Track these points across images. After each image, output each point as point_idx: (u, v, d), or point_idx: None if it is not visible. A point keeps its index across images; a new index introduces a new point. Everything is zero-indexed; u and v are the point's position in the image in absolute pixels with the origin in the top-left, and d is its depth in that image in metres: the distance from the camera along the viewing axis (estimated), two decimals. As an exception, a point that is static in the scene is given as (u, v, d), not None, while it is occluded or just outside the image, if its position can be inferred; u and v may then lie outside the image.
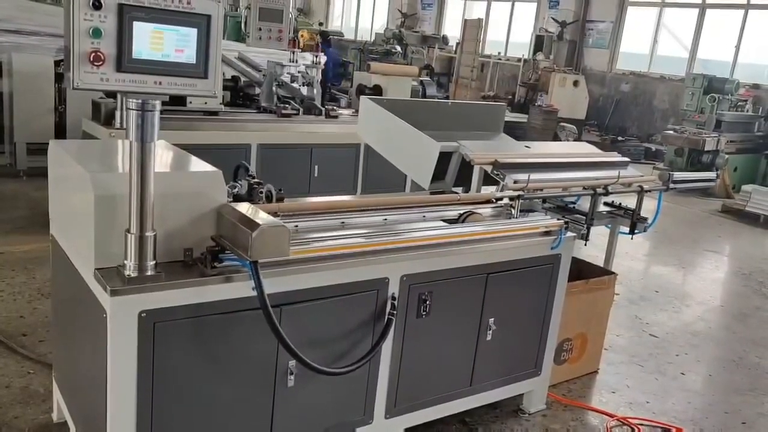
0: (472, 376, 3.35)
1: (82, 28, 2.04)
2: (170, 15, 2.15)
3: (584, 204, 3.86)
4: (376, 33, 20.10)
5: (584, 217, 3.73)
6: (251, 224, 2.25)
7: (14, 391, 3.39)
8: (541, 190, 3.66)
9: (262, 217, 2.31)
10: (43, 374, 3.51)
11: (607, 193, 3.83)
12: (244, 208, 2.40)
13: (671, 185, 4.20)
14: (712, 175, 5.33)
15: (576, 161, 4.14)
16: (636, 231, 4.05)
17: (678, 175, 4.34)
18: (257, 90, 6.41)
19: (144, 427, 2.36)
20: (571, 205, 3.88)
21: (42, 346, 3.80)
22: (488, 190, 3.75)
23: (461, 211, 3.39)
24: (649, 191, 4.08)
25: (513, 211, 3.45)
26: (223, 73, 6.21)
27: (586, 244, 3.78)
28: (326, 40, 11.76)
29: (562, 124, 12.68)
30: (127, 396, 2.31)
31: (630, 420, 3.77)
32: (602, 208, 4.08)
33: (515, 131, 8.67)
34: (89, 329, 2.46)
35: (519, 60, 16.73)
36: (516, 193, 3.47)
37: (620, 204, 4.13)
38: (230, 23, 13.00)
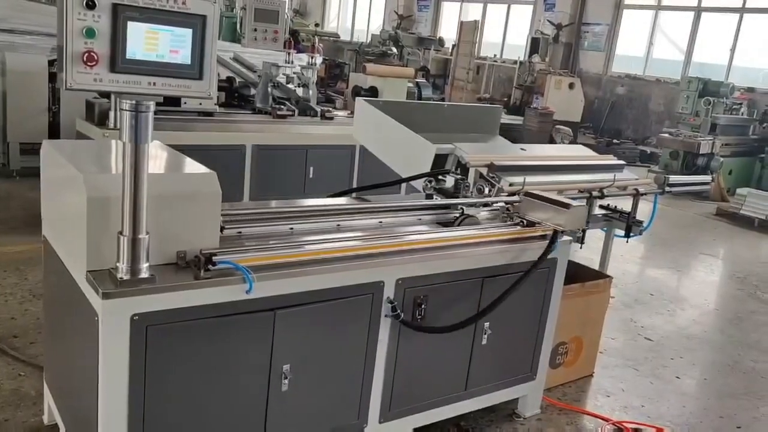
0: (467, 380, 3.33)
1: (76, 28, 2.01)
2: (165, 15, 2.13)
3: (580, 207, 3.85)
4: (372, 34, 20.07)
5: (580, 221, 3.73)
6: (563, 204, 3.15)
7: (5, 394, 3.35)
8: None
9: (567, 199, 3.20)
10: (34, 377, 3.48)
11: (602, 196, 3.83)
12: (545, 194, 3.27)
13: (667, 188, 4.20)
14: (707, 178, 5.35)
15: (572, 164, 4.14)
16: (631, 234, 4.05)
17: (673, 178, 4.35)
18: (252, 91, 6.39)
19: (135, 430, 2.34)
20: (567, 208, 3.87)
21: (33, 348, 3.76)
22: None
23: (457, 214, 3.37)
24: (645, 194, 4.09)
25: (509, 213, 3.43)
26: (218, 74, 6.19)
27: (581, 247, 3.77)
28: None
29: (557, 126, 12.68)
30: (119, 399, 2.28)
31: (625, 424, 3.76)
32: (598, 211, 4.08)
33: (511, 133, 8.63)
34: (81, 332, 2.43)
35: (515, 62, 16.70)
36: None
37: (616, 207, 4.13)
38: (226, 24, 12.96)
